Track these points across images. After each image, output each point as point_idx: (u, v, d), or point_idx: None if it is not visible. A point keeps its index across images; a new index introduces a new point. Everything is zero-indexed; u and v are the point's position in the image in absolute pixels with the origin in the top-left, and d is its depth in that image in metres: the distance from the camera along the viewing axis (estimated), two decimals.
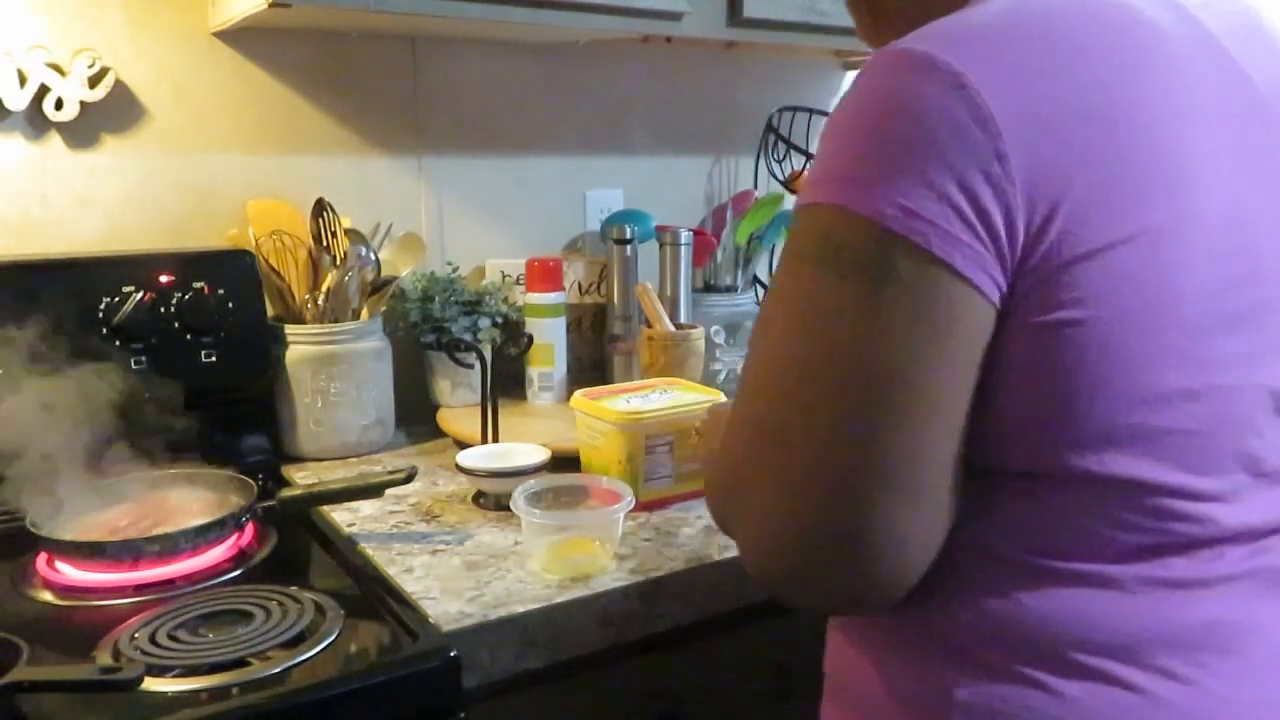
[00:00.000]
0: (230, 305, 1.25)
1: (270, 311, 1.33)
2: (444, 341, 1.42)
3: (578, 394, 1.19)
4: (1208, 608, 0.59)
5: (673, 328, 1.41)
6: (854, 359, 0.55)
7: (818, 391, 0.56)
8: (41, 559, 1.01)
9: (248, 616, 0.87)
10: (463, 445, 1.30)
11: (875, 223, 0.54)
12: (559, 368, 1.50)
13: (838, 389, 0.55)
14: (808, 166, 1.72)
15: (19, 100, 1.20)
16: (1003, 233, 0.53)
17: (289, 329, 1.31)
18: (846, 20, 0.80)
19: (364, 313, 1.36)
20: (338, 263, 1.31)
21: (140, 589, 0.95)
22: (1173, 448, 0.56)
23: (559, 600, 0.91)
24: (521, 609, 0.90)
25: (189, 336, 1.22)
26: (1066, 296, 0.54)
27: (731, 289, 1.67)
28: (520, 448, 1.20)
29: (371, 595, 0.94)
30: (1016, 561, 0.59)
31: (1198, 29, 0.61)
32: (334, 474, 1.25)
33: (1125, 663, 0.57)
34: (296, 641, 0.83)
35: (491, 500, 1.15)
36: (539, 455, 1.17)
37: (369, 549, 1.03)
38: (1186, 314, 0.55)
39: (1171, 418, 0.56)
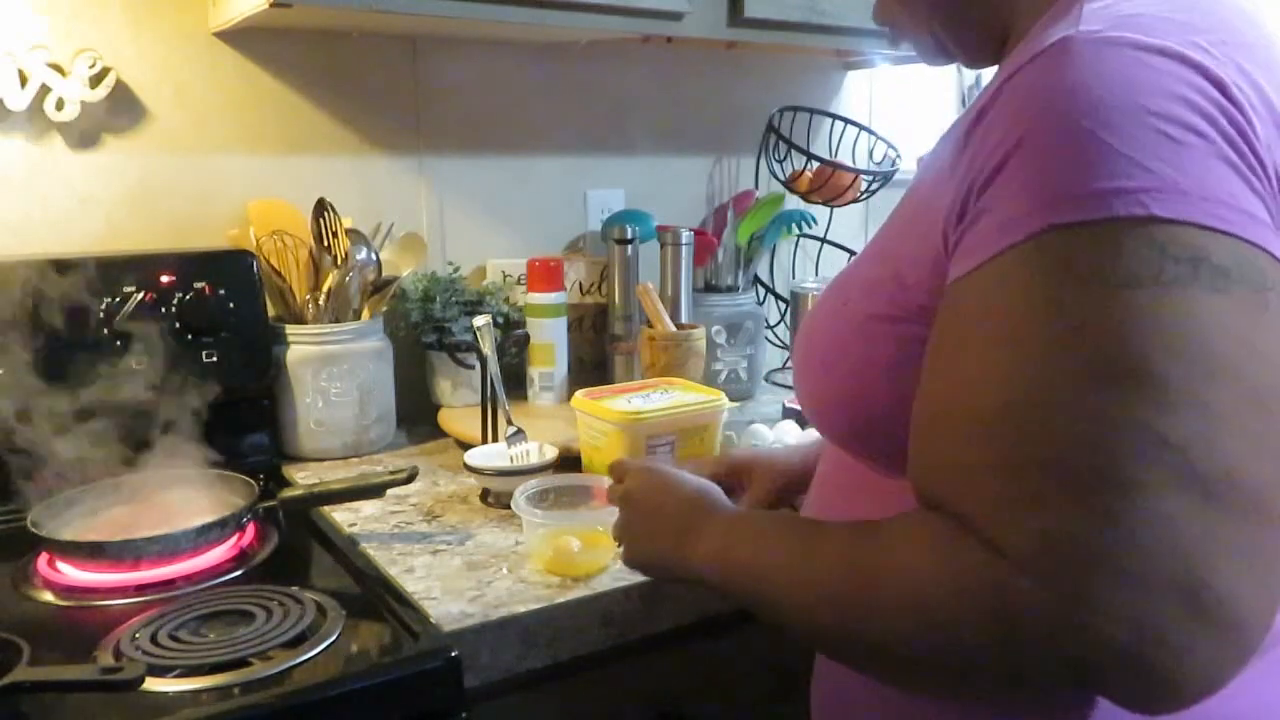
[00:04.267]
0: (231, 305, 1.25)
1: (271, 312, 1.33)
2: (445, 342, 1.42)
3: (579, 394, 1.19)
4: None
5: (674, 328, 1.41)
6: (1267, 377, 0.47)
7: (1257, 428, 0.46)
8: (42, 559, 1.01)
9: (249, 617, 0.87)
10: (464, 445, 1.30)
11: (1226, 233, 0.48)
12: (560, 368, 1.50)
13: (1262, 420, 0.47)
14: (809, 166, 1.72)
15: (20, 100, 1.20)
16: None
17: (290, 329, 1.31)
18: (847, 20, 0.78)
19: (365, 313, 1.36)
20: (339, 263, 1.31)
21: (141, 589, 0.95)
22: None
23: (560, 600, 0.91)
24: (522, 609, 0.90)
25: (189, 336, 1.22)
26: None
27: (732, 289, 1.67)
28: (529, 446, 1.20)
29: (373, 595, 0.94)
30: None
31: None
32: (335, 474, 1.25)
33: None
34: (298, 642, 0.83)
35: (499, 499, 1.15)
36: (548, 454, 1.18)
37: (370, 549, 1.03)
38: None
39: None
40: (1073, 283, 0.48)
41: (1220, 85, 0.50)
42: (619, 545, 0.84)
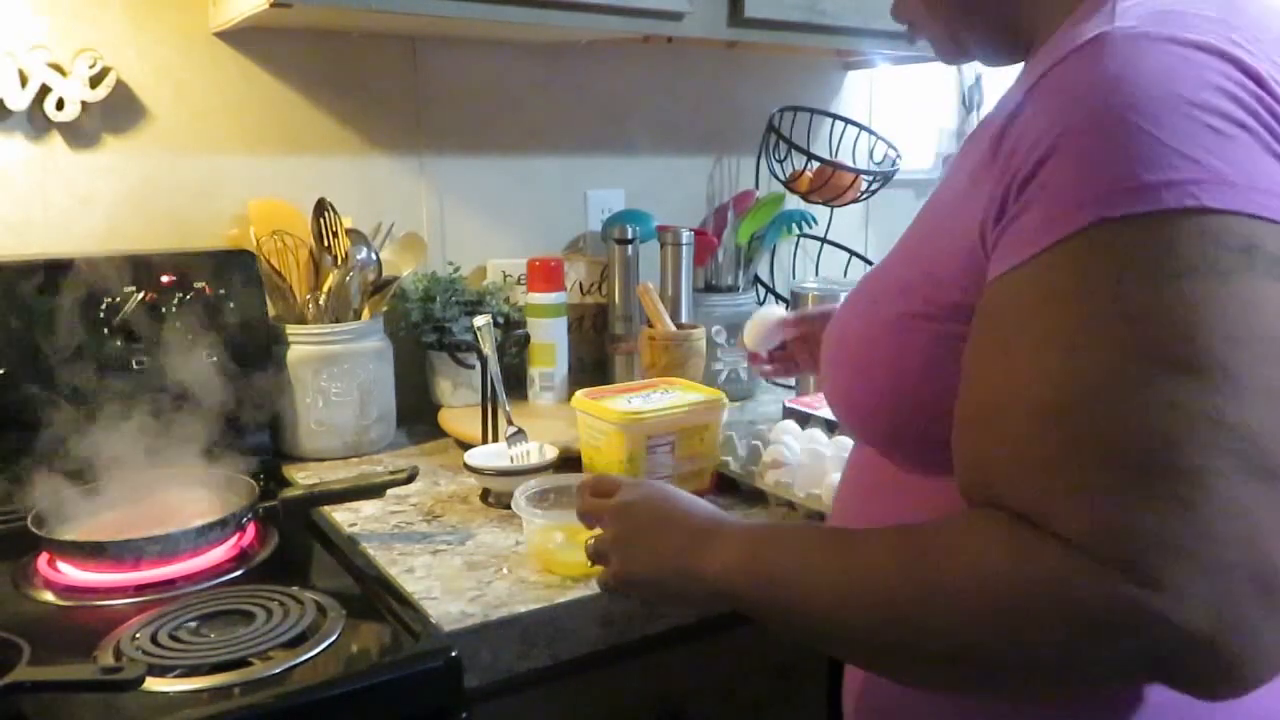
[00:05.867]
0: (231, 305, 1.25)
1: (271, 311, 1.33)
2: (445, 342, 1.42)
3: (579, 394, 1.19)
4: None
5: (674, 327, 1.41)
6: None
7: None
8: (43, 559, 1.01)
9: (249, 617, 0.87)
10: (464, 445, 1.30)
11: (1276, 221, 0.49)
12: (560, 368, 1.50)
13: None
14: (809, 166, 1.72)
15: (20, 100, 1.20)
16: None
17: (290, 329, 1.31)
18: (847, 20, 0.78)
19: (365, 313, 1.36)
20: (339, 263, 1.31)
21: (141, 589, 0.95)
22: None
23: (560, 600, 0.91)
24: (522, 609, 0.90)
25: (190, 336, 1.22)
26: None
27: (733, 289, 1.68)
28: (529, 446, 1.20)
29: (373, 595, 0.94)
30: None
31: None
32: (335, 474, 1.25)
33: None
34: (298, 642, 0.83)
35: (499, 499, 1.15)
36: (548, 454, 1.18)
37: (370, 549, 1.03)
38: None
39: None
40: (1128, 275, 0.49)
41: (1258, 79, 0.51)
42: (594, 563, 0.80)
